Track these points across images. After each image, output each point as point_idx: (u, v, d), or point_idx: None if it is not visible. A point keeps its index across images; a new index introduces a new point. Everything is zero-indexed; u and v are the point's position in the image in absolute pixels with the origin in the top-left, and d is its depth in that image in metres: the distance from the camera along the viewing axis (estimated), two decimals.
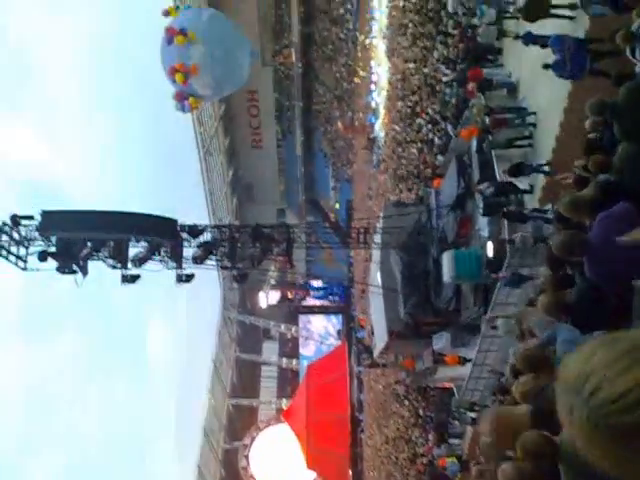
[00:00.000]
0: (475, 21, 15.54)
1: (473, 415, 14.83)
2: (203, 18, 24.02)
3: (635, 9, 6.86)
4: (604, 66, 8.63)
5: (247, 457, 40.00)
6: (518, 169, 12.55)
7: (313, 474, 36.60)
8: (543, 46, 10.37)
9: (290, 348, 44.86)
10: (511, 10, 13.45)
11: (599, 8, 8.53)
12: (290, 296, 42.86)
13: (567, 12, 10.74)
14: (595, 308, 4.48)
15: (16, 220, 20.03)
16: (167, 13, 22.95)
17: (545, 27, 10.97)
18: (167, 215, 22.62)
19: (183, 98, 23.51)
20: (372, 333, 25.96)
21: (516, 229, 12.13)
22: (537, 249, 11.21)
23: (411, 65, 23.32)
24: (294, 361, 43.49)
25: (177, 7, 24.84)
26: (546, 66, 9.99)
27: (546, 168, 12.01)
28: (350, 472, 33.99)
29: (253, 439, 40.66)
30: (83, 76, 70.25)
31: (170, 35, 21.89)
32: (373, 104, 35.00)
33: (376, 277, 21.51)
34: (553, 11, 10.77)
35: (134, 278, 22.02)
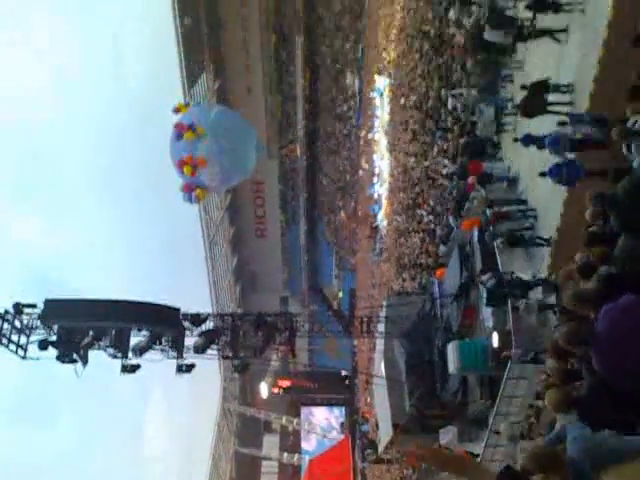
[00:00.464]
0: (474, 117, 16.15)
1: None
2: (212, 113, 25.03)
3: (630, 106, 7.14)
4: (597, 162, 8.88)
5: None
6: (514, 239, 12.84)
7: None
8: (540, 147, 10.74)
9: (291, 442, 43.38)
10: (509, 107, 13.99)
11: (584, 127, 8.98)
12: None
13: (564, 109, 11.18)
14: (605, 403, 4.40)
15: (19, 308, 20.04)
16: (177, 110, 23.92)
17: (544, 122, 11.38)
18: (170, 303, 22.60)
19: (191, 189, 24.08)
20: (377, 426, 25.20)
21: (521, 317, 12.07)
22: (542, 328, 11.13)
23: (412, 159, 24.04)
24: (295, 456, 41.94)
25: (187, 104, 25.94)
26: (542, 174, 10.29)
27: (544, 242, 12.22)
28: None
29: None
30: (92, 167, 72.35)
31: (179, 131, 22.69)
32: (376, 195, 35.80)
33: (380, 367, 21.15)
34: (550, 108, 11.21)
35: (134, 368, 21.70)
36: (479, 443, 14.83)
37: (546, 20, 11.40)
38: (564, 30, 11.02)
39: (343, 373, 41.06)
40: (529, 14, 11.32)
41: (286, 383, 41.41)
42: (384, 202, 33.56)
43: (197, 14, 39.47)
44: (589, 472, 3.13)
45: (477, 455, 15.07)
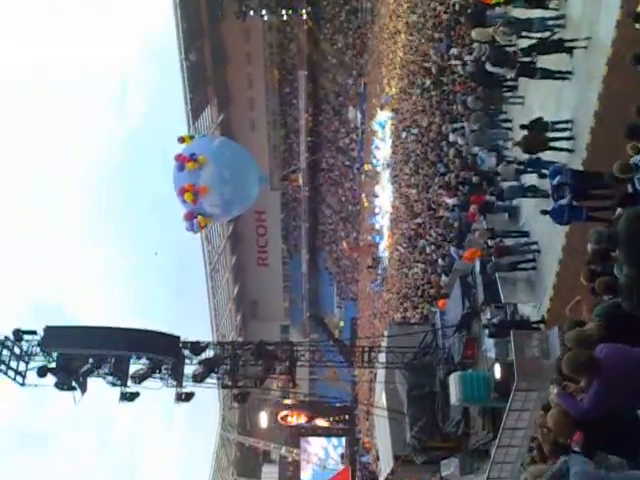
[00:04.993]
0: (475, 150, 16.33)
1: None
2: (214, 143, 25.37)
3: (630, 144, 7.28)
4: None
5: None
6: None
7: None
8: (542, 176, 10.91)
9: (291, 472, 42.76)
10: (509, 147, 14.06)
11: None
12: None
13: (565, 144, 11.39)
14: (608, 431, 4.46)
15: (19, 335, 20.02)
16: (182, 140, 24.27)
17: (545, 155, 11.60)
18: (170, 331, 22.56)
19: (192, 217, 24.27)
20: (377, 457, 24.95)
21: (523, 348, 12.09)
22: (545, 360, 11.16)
23: (413, 191, 24.28)
24: None
25: (192, 136, 26.30)
26: (544, 212, 10.44)
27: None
28: None
29: None
30: (94, 197, 72.85)
31: (181, 162, 22.97)
32: (377, 226, 36.02)
33: (381, 398, 21.04)
34: (551, 144, 11.42)
35: (133, 396, 21.57)
36: (481, 475, 14.72)
37: (548, 60, 11.67)
38: (570, 72, 11.26)
39: (342, 404, 40.72)
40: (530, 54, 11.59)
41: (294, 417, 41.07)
42: (386, 233, 33.76)
43: (202, 49, 40.30)
44: None
45: None
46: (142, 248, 72.19)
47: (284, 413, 39.89)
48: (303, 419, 40.70)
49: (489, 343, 14.68)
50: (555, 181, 9.62)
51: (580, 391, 4.70)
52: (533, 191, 12.24)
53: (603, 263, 6.69)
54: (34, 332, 20.15)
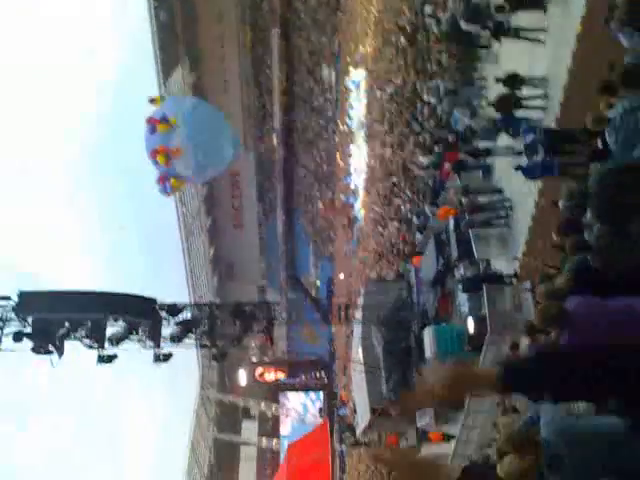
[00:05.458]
0: (449, 109, 16.37)
1: None
2: (186, 104, 24.97)
3: (603, 100, 7.38)
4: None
5: None
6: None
7: None
8: (514, 135, 11.07)
9: (270, 427, 43.73)
10: (483, 106, 14.15)
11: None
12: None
13: (538, 102, 11.54)
14: (576, 379, 4.71)
15: None
16: (153, 101, 23.81)
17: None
18: (147, 294, 22.58)
19: (165, 180, 24.06)
20: (355, 411, 25.63)
21: (496, 302, 12.46)
22: (517, 313, 11.53)
23: (388, 150, 24.33)
24: (274, 441, 42.34)
25: (162, 97, 25.83)
26: (518, 168, 10.60)
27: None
28: None
29: None
30: (68, 162, 71.38)
31: (152, 125, 22.59)
32: (353, 185, 36.08)
33: (358, 353, 21.53)
34: (525, 102, 11.56)
35: (111, 358, 21.68)
36: (455, 425, 15.29)
37: (522, 17, 11.70)
38: (543, 29, 11.31)
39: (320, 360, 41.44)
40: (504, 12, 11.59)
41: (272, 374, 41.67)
42: (361, 192, 33.88)
43: (172, 8, 39.25)
44: (563, 453, 3.31)
45: (453, 436, 15.55)
46: (116, 212, 71.27)
47: (261, 370, 40.47)
48: (281, 375, 41.34)
49: (462, 298, 15.07)
50: (528, 139, 9.78)
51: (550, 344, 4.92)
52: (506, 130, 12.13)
53: (574, 219, 6.90)
54: (8, 298, 20.00)
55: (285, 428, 42.60)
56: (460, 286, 14.97)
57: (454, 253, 16.00)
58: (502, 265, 13.93)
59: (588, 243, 6.15)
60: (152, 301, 21.52)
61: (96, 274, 59.34)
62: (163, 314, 22.11)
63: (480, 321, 13.56)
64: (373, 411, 19.71)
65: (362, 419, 21.72)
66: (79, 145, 66.63)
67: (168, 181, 24.03)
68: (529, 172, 10.09)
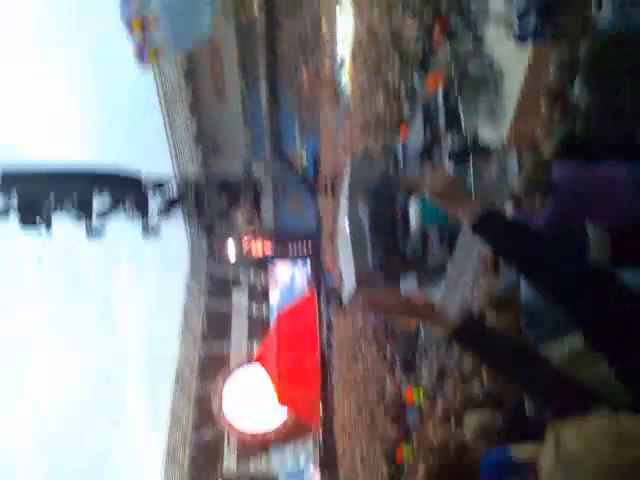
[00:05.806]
0: None
1: (440, 351, 15.49)
2: None
3: None
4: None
5: (220, 399, 40.99)
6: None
7: (285, 410, 37.88)
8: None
9: (260, 296, 45.46)
10: None
11: None
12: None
13: None
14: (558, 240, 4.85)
15: None
16: None
17: None
18: (131, 168, 22.38)
19: (143, 50, 23.11)
20: (341, 279, 26.55)
21: (482, 174, 12.54)
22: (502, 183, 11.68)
23: (376, 15, 23.20)
24: (264, 308, 44.22)
25: None
26: (509, 33, 10.16)
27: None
28: (321, 407, 35.21)
29: (225, 381, 41.69)
30: (42, 32, 67.40)
31: None
32: (339, 54, 34.74)
33: (344, 227, 21.89)
34: None
35: (99, 232, 21.92)
36: (438, 288, 15.95)
37: None
38: None
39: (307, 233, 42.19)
40: None
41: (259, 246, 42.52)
42: (347, 61, 32.71)
43: None
44: (542, 313, 3.42)
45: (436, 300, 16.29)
46: (96, 85, 68.63)
47: (248, 242, 41.30)
48: (268, 247, 42.29)
49: (449, 169, 15.09)
50: (521, 3, 9.37)
51: (535, 210, 5.02)
52: None
53: (563, 88, 6.78)
54: None
55: (274, 296, 44.28)
56: (447, 158, 14.94)
57: (442, 124, 15.81)
58: (490, 135, 13.83)
59: (575, 111, 6.09)
60: (137, 175, 21.41)
61: (76, 149, 58.35)
62: (149, 188, 22.08)
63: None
64: (359, 282, 20.39)
65: (348, 287, 22.52)
66: (56, 16, 62.78)
67: (146, 52, 23.07)
68: (521, 35, 9.75)
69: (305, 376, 34.00)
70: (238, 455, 41.59)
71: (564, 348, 2.86)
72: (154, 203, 22.77)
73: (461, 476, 3.20)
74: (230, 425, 40.41)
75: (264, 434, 39.87)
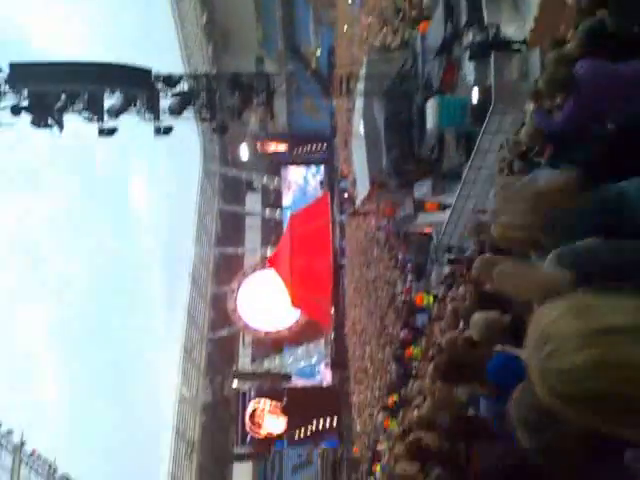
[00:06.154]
0: None
1: (450, 257, 15.57)
2: None
3: None
4: None
5: (235, 300, 42.15)
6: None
7: (298, 312, 39.04)
8: None
9: (273, 199, 45.47)
10: None
11: None
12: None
13: None
14: (577, 146, 4.64)
15: None
16: None
17: None
18: (141, 65, 21.81)
19: None
20: (355, 183, 26.37)
21: (503, 71, 11.99)
22: (523, 83, 11.21)
23: None
24: (277, 211, 44.33)
25: None
26: None
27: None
28: (333, 310, 36.19)
29: (240, 283, 42.70)
30: None
31: None
32: None
33: (359, 127, 21.40)
34: None
35: (111, 131, 21.72)
36: (452, 195, 15.76)
37: None
38: None
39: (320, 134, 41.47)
40: None
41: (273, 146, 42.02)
42: None
43: None
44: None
45: (449, 205, 16.14)
46: None
47: (261, 143, 40.85)
48: (283, 147, 41.87)
49: (469, 67, 14.44)
50: None
51: (556, 109, 4.77)
52: None
53: None
54: None
55: (287, 200, 44.30)
56: (467, 53, 14.25)
57: (463, 18, 14.98)
58: (512, 31, 13.10)
59: (605, 2, 5.64)
60: (148, 72, 20.87)
61: (85, 49, 56.77)
62: (160, 85, 21.59)
63: (485, 91, 13.19)
64: (372, 183, 20.21)
65: (361, 191, 22.39)
66: None
67: None
68: None
69: (317, 279, 34.65)
70: (252, 354, 43.28)
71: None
72: (165, 102, 22.31)
73: (469, 372, 3.23)
74: (245, 325, 41.77)
75: (278, 332, 41.27)
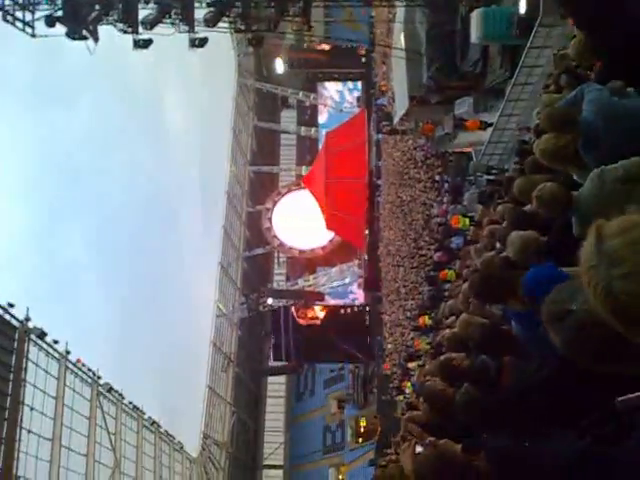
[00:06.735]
0: None
1: (489, 178, 15.21)
2: None
3: None
4: None
5: (270, 219, 42.43)
6: None
7: (331, 234, 39.21)
8: None
9: (308, 116, 44.54)
10: None
11: None
12: None
13: None
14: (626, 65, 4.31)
15: None
16: None
17: None
18: None
19: None
20: (393, 100, 25.61)
21: None
22: None
23: None
24: (313, 129, 43.54)
25: None
26: None
27: None
28: (367, 232, 36.19)
29: (275, 203, 42.84)
30: None
31: None
32: None
33: (399, 38, 20.54)
34: None
35: (146, 43, 21.35)
36: (494, 113, 15.20)
37: None
38: None
39: (361, 49, 39.99)
40: None
41: None
42: None
43: None
44: (602, 134, 3.20)
45: (491, 124, 15.60)
46: None
47: (297, 56, 39.61)
48: (319, 62, 40.60)
49: None
50: None
51: None
52: None
53: None
54: None
55: (323, 117, 43.43)
56: None
57: None
58: None
59: None
60: None
61: None
62: None
63: (533, 2, 12.41)
64: (412, 99, 19.59)
65: (400, 107, 21.77)
66: None
67: None
68: None
69: (352, 200, 34.40)
70: (287, 273, 43.94)
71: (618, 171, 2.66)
72: (200, 12, 21.77)
73: (503, 291, 3.19)
74: (280, 243, 42.17)
75: (312, 251, 41.64)
